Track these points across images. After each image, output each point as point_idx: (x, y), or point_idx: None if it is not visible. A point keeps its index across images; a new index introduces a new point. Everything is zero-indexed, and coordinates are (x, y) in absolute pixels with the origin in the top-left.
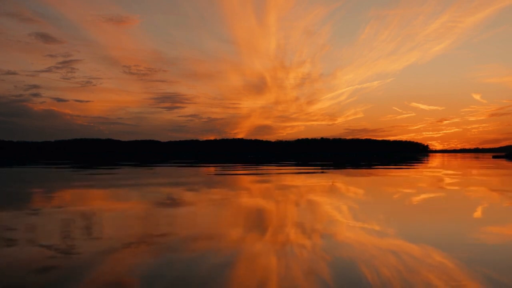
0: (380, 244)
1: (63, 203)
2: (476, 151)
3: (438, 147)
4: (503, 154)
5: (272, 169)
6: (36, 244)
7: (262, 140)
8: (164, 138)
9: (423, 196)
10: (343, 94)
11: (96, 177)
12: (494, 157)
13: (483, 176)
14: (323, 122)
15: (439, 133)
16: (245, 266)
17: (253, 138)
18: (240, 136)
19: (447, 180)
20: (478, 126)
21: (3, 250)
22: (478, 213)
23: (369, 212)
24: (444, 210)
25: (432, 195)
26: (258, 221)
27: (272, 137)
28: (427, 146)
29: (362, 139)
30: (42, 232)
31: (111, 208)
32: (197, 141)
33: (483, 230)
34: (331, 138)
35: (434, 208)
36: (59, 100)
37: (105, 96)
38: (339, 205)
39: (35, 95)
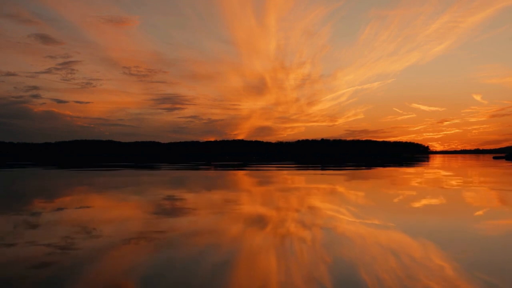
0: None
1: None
2: (477, 152)
3: (439, 148)
4: (503, 155)
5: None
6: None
7: (262, 141)
8: (164, 139)
9: (422, 198)
10: (343, 95)
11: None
12: (494, 158)
13: (483, 177)
14: (324, 123)
15: (440, 134)
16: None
17: (253, 139)
18: (240, 137)
19: (447, 180)
20: (479, 127)
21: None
22: (478, 214)
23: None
24: (443, 210)
25: (432, 196)
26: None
27: (272, 138)
28: (427, 147)
29: (362, 140)
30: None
31: None
32: (197, 142)
33: (483, 230)
34: (331, 139)
35: (434, 209)
36: (59, 101)
37: (105, 97)
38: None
39: (35, 96)
